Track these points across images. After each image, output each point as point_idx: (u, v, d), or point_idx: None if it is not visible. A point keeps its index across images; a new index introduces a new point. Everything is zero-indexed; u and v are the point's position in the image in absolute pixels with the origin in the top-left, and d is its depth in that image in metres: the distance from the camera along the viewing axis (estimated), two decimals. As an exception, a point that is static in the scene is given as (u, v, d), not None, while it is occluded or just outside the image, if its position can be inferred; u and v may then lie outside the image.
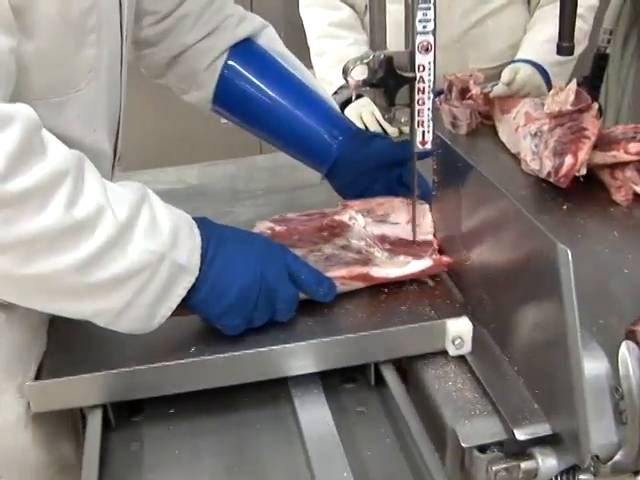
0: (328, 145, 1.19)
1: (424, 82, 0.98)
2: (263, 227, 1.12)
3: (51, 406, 0.93)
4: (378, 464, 0.89)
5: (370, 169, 1.19)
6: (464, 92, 1.57)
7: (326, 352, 0.94)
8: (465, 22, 1.87)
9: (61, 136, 0.83)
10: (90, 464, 0.86)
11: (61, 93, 0.90)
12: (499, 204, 0.92)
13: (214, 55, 1.20)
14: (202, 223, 0.92)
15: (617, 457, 0.81)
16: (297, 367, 0.94)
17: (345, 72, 1.01)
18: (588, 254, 1.14)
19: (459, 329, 0.94)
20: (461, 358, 0.95)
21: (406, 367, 0.99)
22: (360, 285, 1.02)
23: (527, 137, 1.37)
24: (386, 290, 1.03)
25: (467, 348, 0.95)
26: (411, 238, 1.09)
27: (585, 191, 1.29)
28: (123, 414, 0.96)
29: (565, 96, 1.34)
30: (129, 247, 0.83)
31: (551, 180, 1.29)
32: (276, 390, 0.97)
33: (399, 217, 1.13)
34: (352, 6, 1.93)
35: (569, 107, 1.32)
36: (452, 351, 0.95)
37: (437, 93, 1.04)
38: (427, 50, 0.97)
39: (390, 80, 0.98)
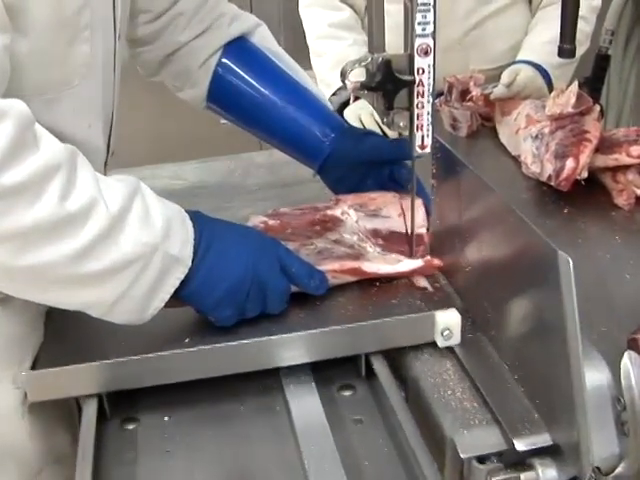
0: (320, 142, 1.21)
1: (423, 85, 0.97)
2: (256, 221, 1.13)
3: (47, 395, 0.94)
4: (375, 473, 0.87)
5: (362, 165, 1.20)
6: (464, 94, 1.55)
7: (317, 343, 0.96)
8: (466, 23, 1.86)
9: (55, 131, 0.84)
10: (85, 451, 0.87)
11: (55, 89, 0.91)
12: (499, 210, 0.91)
13: (208, 53, 1.21)
14: (195, 216, 0.94)
15: (619, 469, 0.79)
16: (289, 357, 0.96)
17: (343, 75, 1.00)
18: (589, 259, 1.13)
19: (447, 320, 0.96)
20: (460, 367, 0.94)
21: (405, 375, 0.98)
22: (351, 279, 1.03)
23: (528, 139, 1.36)
24: (377, 284, 1.04)
25: (456, 340, 0.96)
26: (403, 230, 1.10)
27: (586, 195, 1.28)
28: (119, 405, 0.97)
29: (566, 98, 1.33)
30: (122, 238, 0.84)
31: (552, 183, 1.28)
32: (268, 382, 0.98)
33: (391, 211, 1.14)
34: (352, 6, 1.92)
35: (570, 109, 1.31)
36: (441, 342, 0.96)
37: (437, 95, 1.02)
38: (426, 53, 0.95)
39: (389, 83, 0.97)
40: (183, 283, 0.90)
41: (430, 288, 1.03)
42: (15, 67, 0.83)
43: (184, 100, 1.28)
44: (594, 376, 0.81)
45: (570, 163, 1.25)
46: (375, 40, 0.98)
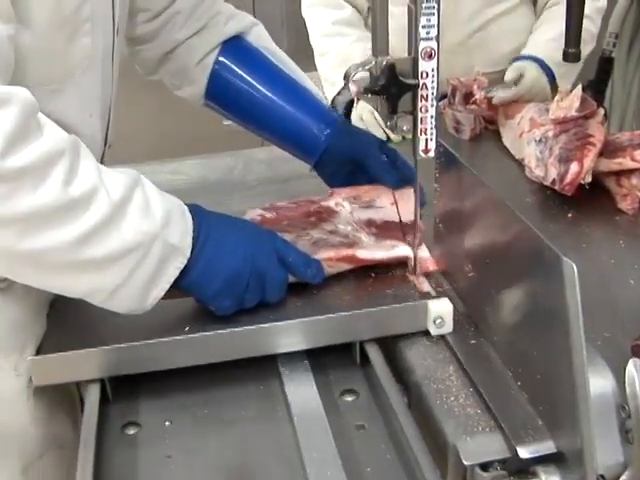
0: (316, 138, 1.23)
1: (427, 89, 0.96)
2: (253, 214, 1.15)
3: (51, 380, 0.97)
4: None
5: (356, 160, 1.22)
6: (468, 97, 1.55)
7: (313, 330, 0.99)
8: (470, 26, 1.85)
9: (58, 121, 0.86)
10: (88, 435, 0.89)
11: (58, 80, 0.93)
12: (502, 214, 0.91)
13: (204, 51, 1.24)
14: (194, 209, 0.95)
15: (623, 478, 0.78)
16: (287, 344, 0.98)
17: (347, 78, 0.99)
18: (593, 264, 1.12)
19: (440, 309, 0.98)
20: (463, 372, 0.94)
21: (407, 381, 0.97)
22: (347, 267, 1.04)
23: (531, 143, 1.35)
24: (373, 274, 1.05)
25: (448, 328, 0.98)
26: (397, 219, 1.12)
27: (590, 199, 1.28)
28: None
29: (570, 102, 1.33)
30: (123, 225, 0.86)
31: (556, 188, 1.27)
32: (269, 387, 0.99)
33: (384, 201, 1.16)
34: (354, 6, 1.91)
35: (574, 113, 1.31)
36: (433, 330, 0.98)
37: (440, 97, 1.02)
38: (430, 57, 0.95)
39: (392, 87, 0.97)
40: (183, 273, 0.92)
41: (433, 293, 1.03)
42: (18, 59, 0.85)
43: (184, 98, 1.30)
44: (598, 383, 0.80)
45: (574, 167, 1.24)
46: (379, 43, 0.97)
